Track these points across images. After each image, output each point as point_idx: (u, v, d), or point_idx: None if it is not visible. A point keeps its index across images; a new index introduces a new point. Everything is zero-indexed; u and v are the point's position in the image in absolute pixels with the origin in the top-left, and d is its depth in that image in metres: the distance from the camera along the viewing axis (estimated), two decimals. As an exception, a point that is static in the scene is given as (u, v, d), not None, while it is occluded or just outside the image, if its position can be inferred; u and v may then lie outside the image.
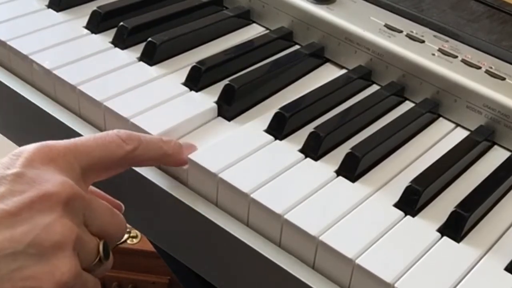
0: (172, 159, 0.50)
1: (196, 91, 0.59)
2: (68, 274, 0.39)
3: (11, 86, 0.61)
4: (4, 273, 0.37)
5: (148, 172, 0.53)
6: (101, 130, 0.57)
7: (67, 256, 0.39)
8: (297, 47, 0.67)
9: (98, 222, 0.43)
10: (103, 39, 0.65)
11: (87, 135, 0.44)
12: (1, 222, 0.37)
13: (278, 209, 0.47)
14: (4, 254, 0.37)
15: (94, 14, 0.66)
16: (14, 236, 0.37)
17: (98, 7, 0.66)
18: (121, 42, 0.64)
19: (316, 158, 0.53)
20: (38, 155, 0.41)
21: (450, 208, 0.48)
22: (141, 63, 0.62)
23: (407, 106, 0.61)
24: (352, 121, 0.57)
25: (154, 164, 0.51)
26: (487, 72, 0.58)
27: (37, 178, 0.40)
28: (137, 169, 0.53)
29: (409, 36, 0.62)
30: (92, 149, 0.44)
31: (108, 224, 0.44)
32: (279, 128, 0.55)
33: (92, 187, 0.47)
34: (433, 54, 0.60)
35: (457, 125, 0.59)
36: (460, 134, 0.58)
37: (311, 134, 0.54)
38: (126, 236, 1.36)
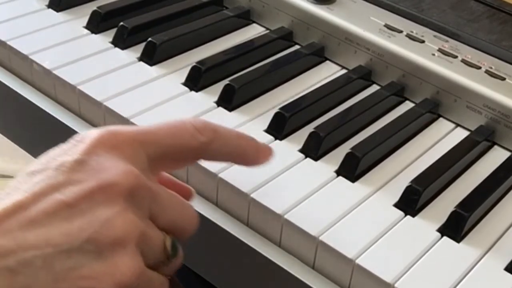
0: (250, 159, 0.45)
1: (196, 91, 0.59)
2: (130, 274, 0.35)
3: (11, 86, 0.61)
4: (58, 271, 0.33)
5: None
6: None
7: (128, 254, 0.35)
8: (297, 47, 0.67)
9: (166, 215, 0.39)
10: (103, 39, 0.65)
11: (160, 122, 0.40)
12: (57, 214, 0.34)
13: (278, 209, 0.47)
14: (59, 250, 0.33)
15: (94, 14, 0.66)
16: (71, 231, 0.34)
17: (98, 7, 0.66)
18: (121, 42, 0.64)
19: (316, 158, 0.53)
20: (101, 141, 0.37)
21: (450, 208, 0.48)
22: (141, 63, 0.62)
23: (407, 106, 0.61)
24: (352, 121, 0.57)
25: (227, 161, 0.46)
26: (487, 72, 0.58)
27: (99, 166, 0.36)
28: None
29: (409, 36, 0.62)
30: (162, 138, 0.40)
31: (177, 218, 0.40)
32: (279, 128, 0.55)
33: (162, 173, 0.43)
34: (433, 54, 0.60)
35: (457, 125, 0.59)
36: (460, 134, 0.58)
37: (311, 134, 0.54)
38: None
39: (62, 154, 0.37)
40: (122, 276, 0.35)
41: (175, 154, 0.40)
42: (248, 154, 0.45)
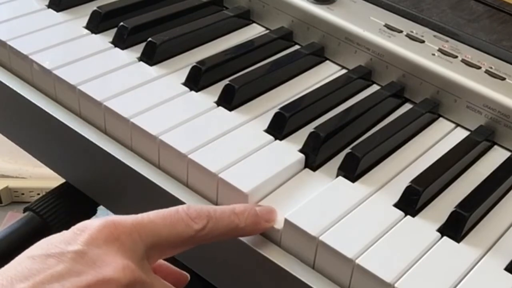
0: (246, 232, 0.47)
1: (196, 91, 0.59)
2: None
3: (11, 86, 0.61)
4: None
5: (148, 172, 0.53)
6: (101, 131, 0.57)
7: None
8: (297, 47, 0.67)
9: None
10: (103, 39, 0.65)
11: (156, 211, 0.42)
12: None
13: (278, 210, 0.47)
14: None
15: (94, 14, 0.66)
16: None
17: (98, 7, 0.66)
18: (121, 42, 0.64)
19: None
20: (103, 232, 0.39)
21: (450, 208, 0.48)
22: (141, 63, 0.62)
23: (407, 106, 0.61)
24: (352, 121, 0.56)
25: (225, 239, 0.47)
26: (487, 72, 0.58)
27: (98, 259, 0.38)
28: (138, 169, 0.53)
29: (409, 36, 0.62)
30: (159, 228, 0.41)
31: None
32: (279, 128, 0.55)
33: (160, 261, 0.45)
34: (433, 54, 0.60)
35: (457, 125, 0.59)
36: (460, 134, 0.58)
37: (311, 134, 0.54)
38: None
39: (63, 242, 0.38)
40: None
41: (171, 243, 0.42)
42: (244, 228, 0.46)
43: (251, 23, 0.70)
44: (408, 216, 0.49)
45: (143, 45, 0.63)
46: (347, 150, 0.52)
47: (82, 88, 0.57)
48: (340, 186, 0.51)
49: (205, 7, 0.70)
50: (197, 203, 0.51)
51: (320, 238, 0.46)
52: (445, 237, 0.47)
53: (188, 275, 0.47)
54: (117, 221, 0.40)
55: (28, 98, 0.60)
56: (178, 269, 0.47)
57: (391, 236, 0.47)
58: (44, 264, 0.37)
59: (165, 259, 0.47)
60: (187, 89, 0.59)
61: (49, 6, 0.68)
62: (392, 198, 0.50)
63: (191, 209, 0.43)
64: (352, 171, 0.51)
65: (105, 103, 0.56)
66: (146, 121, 0.54)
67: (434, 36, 0.62)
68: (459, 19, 0.64)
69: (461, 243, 0.47)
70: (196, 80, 0.59)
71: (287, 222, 0.47)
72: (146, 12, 0.67)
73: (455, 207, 0.48)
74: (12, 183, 1.67)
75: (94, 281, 0.37)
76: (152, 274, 0.41)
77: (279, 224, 0.47)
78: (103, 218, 0.40)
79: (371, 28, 0.63)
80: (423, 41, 0.61)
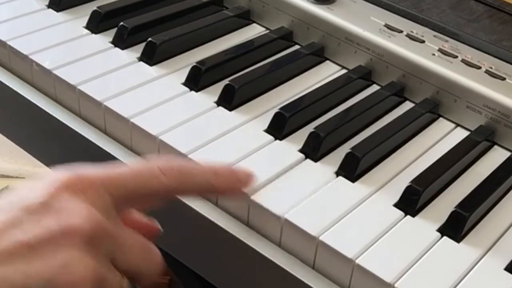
0: (220, 191, 0.47)
1: (196, 91, 0.59)
2: None
3: (11, 86, 0.61)
4: None
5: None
6: (101, 130, 0.57)
7: None
8: (297, 47, 0.67)
9: (126, 259, 0.39)
10: (103, 39, 0.65)
11: (126, 165, 0.42)
12: (18, 254, 0.35)
13: (278, 209, 0.47)
14: (14, 287, 0.34)
15: (94, 14, 0.66)
16: (29, 272, 0.34)
17: (98, 7, 0.66)
18: (121, 42, 0.64)
19: (316, 159, 0.53)
20: (67, 184, 0.38)
21: (450, 208, 0.48)
22: (141, 63, 0.62)
23: (407, 106, 0.61)
24: (352, 121, 0.57)
25: (200, 195, 0.47)
26: (487, 72, 0.58)
27: (63, 209, 0.37)
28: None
29: (409, 36, 0.62)
30: (126, 180, 0.41)
31: (138, 262, 0.40)
32: (279, 128, 0.55)
33: (131, 211, 0.44)
34: (433, 54, 0.60)
35: (457, 125, 0.59)
36: (460, 134, 0.58)
37: (311, 134, 0.54)
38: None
39: (27, 194, 0.37)
40: None
41: (139, 196, 0.41)
42: (219, 189, 0.46)
43: (251, 23, 0.70)
44: (408, 216, 0.49)
45: (143, 45, 0.63)
46: (347, 150, 0.52)
47: (82, 88, 0.57)
48: (340, 186, 0.51)
49: (205, 7, 0.70)
50: (197, 203, 0.51)
51: (320, 238, 0.46)
52: (445, 237, 0.47)
53: (159, 227, 0.46)
54: (84, 174, 0.39)
55: (28, 98, 0.60)
56: (149, 221, 0.45)
57: (391, 236, 0.47)
58: (8, 216, 0.36)
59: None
60: (187, 89, 0.59)
61: (49, 6, 0.68)
62: (392, 198, 0.50)
63: (164, 162, 0.42)
64: (352, 171, 0.51)
65: (105, 103, 0.56)
66: (146, 121, 0.54)
67: (434, 36, 0.62)
68: (459, 19, 0.64)
69: (461, 243, 0.47)
70: (196, 80, 0.59)
71: (287, 222, 0.47)
72: (146, 12, 0.67)
73: (455, 207, 0.48)
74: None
75: (58, 231, 0.36)
76: (120, 225, 0.40)
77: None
78: (68, 169, 0.39)
79: (371, 28, 0.63)
80: (423, 41, 0.61)
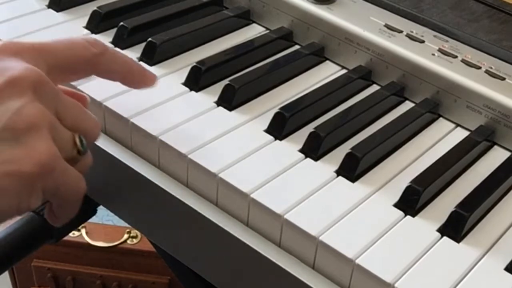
0: (135, 80, 0.51)
1: (196, 91, 0.59)
2: (46, 154, 0.39)
3: (11, 86, 0.61)
4: None
5: (148, 172, 0.53)
6: (101, 131, 0.57)
7: (43, 137, 0.39)
8: (297, 47, 0.67)
9: (70, 115, 0.43)
10: (103, 39, 0.64)
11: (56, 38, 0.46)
12: None
13: (278, 209, 0.47)
14: None
15: (94, 14, 0.66)
16: None
17: (98, 7, 0.66)
18: (121, 42, 0.64)
19: (316, 158, 0.53)
20: (2, 48, 0.41)
21: (450, 208, 0.48)
22: (141, 63, 0.62)
23: (407, 106, 0.61)
24: (352, 121, 0.57)
25: (118, 79, 0.51)
26: (487, 72, 0.58)
27: (3, 67, 0.40)
28: (138, 169, 0.53)
29: (409, 36, 0.62)
30: (58, 49, 0.44)
31: (80, 119, 0.44)
32: (279, 128, 0.55)
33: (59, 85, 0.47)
34: (433, 54, 0.60)
35: (457, 125, 0.59)
36: (460, 134, 0.58)
37: (311, 134, 0.54)
38: (126, 236, 1.36)
39: None
40: (39, 156, 0.38)
41: (70, 64, 0.45)
42: (135, 73, 0.50)
43: (251, 23, 0.70)
44: (408, 216, 0.49)
45: (143, 45, 0.63)
46: (347, 150, 0.52)
47: (81, 88, 0.57)
48: (340, 186, 0.51)
49: (205, 7, 0.70)
50: (197, 203, 0.51)
51: (320, 238, 0.46)
52: (445, 237, 0.47)
53: (88, 97, 0.50)
54: (17, 41, 0.43)
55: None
56: (78, 92, 0.50)
57: (391, 236, 0.47)
58: None
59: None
60: (187, 89, 0.59)
61: (49, 6, 0.68)
62: (392, 198, 0.50)
63: (89, 37, 0.47)
64: (352, 171, 0.51)
65: (105, 103, 0.56)
66: (146, 121, 0.54)
67: (434, 36, 0.62)
68: (459, 19, 0.64)
69: (461, 243, 0.47)
70: (196, 80, 0.59)
71: (287, 221, 0.47)
72: (146, 12, 0.67)
73: (455, 207, 0.48)
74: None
75: (4, 83, 0.39)
76: (57, 87, 0.43)
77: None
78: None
79: (371, 28, 0.63)
80: (423, 41, 0.61)
